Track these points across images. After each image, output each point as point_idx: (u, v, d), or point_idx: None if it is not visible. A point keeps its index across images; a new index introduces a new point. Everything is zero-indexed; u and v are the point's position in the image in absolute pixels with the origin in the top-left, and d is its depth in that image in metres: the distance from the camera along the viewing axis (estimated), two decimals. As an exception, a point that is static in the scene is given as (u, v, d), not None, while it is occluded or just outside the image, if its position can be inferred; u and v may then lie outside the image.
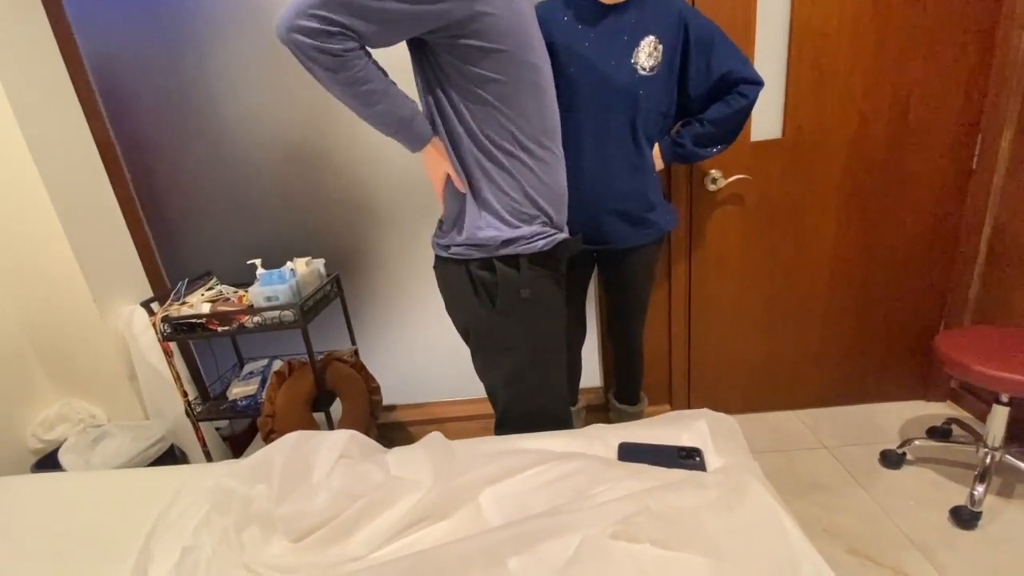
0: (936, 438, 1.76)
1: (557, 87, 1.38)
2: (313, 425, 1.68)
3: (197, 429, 1.80)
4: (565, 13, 1.42)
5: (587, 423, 1.19)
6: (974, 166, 1.74)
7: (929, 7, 1.59)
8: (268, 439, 1.61)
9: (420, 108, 1.06)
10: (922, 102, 1.69)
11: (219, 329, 1.63)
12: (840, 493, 1.64)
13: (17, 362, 1.69)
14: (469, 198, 1.09)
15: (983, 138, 1.70)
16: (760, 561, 0.77)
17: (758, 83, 1.41)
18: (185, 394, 1.76)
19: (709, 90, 1.44)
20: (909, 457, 1.75)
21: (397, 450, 1.13)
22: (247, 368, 1.99)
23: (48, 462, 1.63)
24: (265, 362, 2.01)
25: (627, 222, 1.50)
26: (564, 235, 1.16)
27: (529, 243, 1.09)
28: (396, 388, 2.14)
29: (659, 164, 1.51)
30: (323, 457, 1.08)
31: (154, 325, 1.65)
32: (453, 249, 1.13)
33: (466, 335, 1.24)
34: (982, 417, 1.83)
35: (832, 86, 1.68)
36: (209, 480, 1.10)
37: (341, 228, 1.94)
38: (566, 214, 1.20)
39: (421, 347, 2.09)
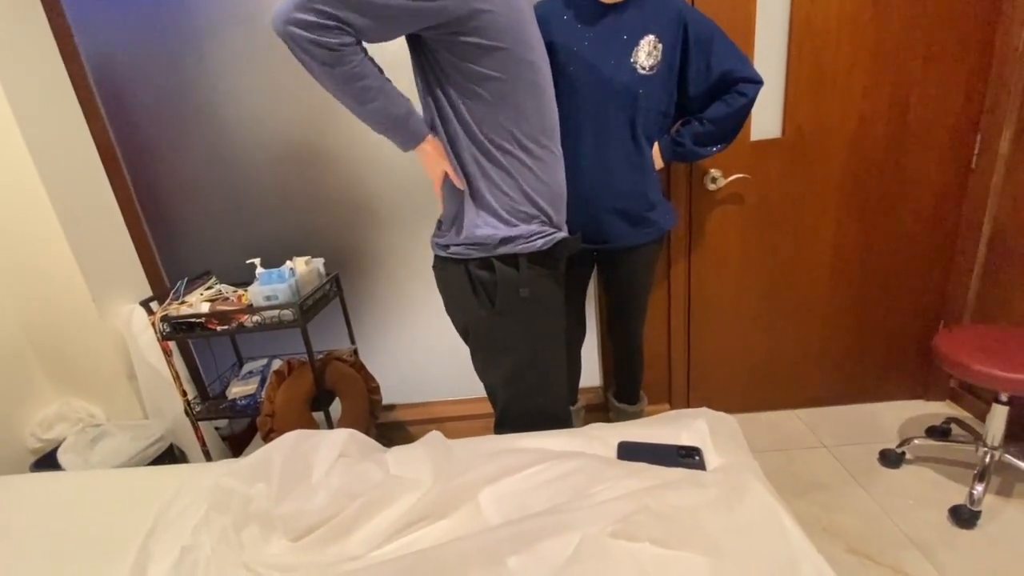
0: (935, 437, 1.76)
1: (557, 86, 1.38)
2: (312, 424, 1.68)
3: (196, 428, 1.79)
4: (565, 12, 1.42)
5: (587, 422, 1.19)
6: (973, 165, 1.74)
7: (929, 7, 1.59)
8: (267, 438, 1.61)
9: (416, 107, 1.06)
10: (922, 102, 1.69)
11: (218, 328, 1.63)
12: (839, 492, 1.64)
13: (16, 361, 1.69)
14: (467, 197, 1.09)
15: (982, 138, 1.70)
16: (760, 560, 0.77)
17: (758, 82, 1.41)
18: (184, 393, 1.76)
19: (709, 89, 1.44)
20: (908, 456, 1.75)
21: (396, 449, 1.13)
22: (246, 367, 1.99)
23: (47, 461, 1.62)
24: (264, 361, 2.01)
25: (627, 221, 1.50)
26: (563, 234, 1.16)
27: (528, 242, 1.09)
28: (395, 387, 2.14)
29: (659, 163, 1.51)
30: (322, 456, 1.07)
31: (153, 324, 1.65)
32: (452, 249, 1.13)
33: (465, 335, 1.24)
34: (981, 416, 1.83)
35: (832, 85, 1.68)
36: (208, 479, 1.10)
37: (340, 227, 1.94)
38: (565, 213, 1.20)
39: (420, 346, 2.09)
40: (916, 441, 1.74)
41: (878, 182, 1.78)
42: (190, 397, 1.79)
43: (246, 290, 1.67)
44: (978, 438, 1.61)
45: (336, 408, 1.80)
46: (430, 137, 1.06)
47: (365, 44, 0.96)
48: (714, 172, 1.76)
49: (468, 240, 1.10)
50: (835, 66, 1.66)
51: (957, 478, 1.64)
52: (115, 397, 1.79)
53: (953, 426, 1.80)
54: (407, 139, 1.05)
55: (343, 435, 1.14)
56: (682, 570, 0.75)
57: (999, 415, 1.53)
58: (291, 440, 1.12)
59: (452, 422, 2.09)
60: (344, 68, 0.92)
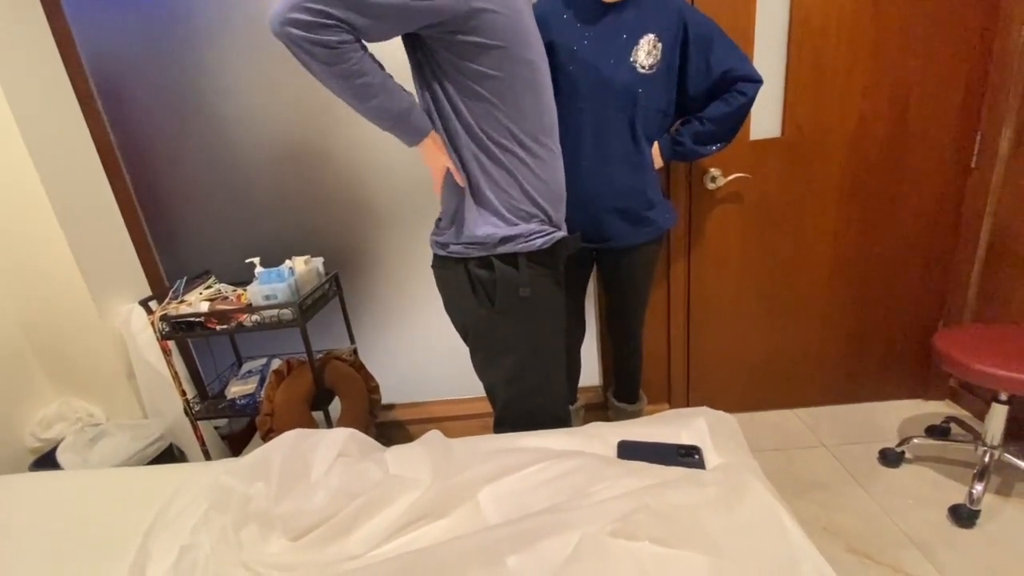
0: (935, 437, 1.76)
1: (556, 85, 1.39)
2: (312, 424, 1.68)
3: (196, 428, 1.79)
4: (564, 11, 1.42)
5: (586, 422, 1.19)
6: (973, 164, 1.74)
7: (928, 6, 1.59)
8: (266, 438, 1.61)
9: (417, 101, 1.06)
10: (921, 101, 1.69)
11: (217, 328, 1.63)
12: (839, 492, 1.64)
13: (15, 361, 1.69)
14: (467, 195, 1.09)
15: (982, 137, 1.70)
16: (760, 559, 0.77)
17: (757, 81, 1.41)
18: (184, 393, 1.76)
19: (708, 88, 1.44)
20: (908, 456, 1.75)
21: (396, 448, 1.13)
22: (246, 367, 1.98)
23: (46, 461, 1.62)
24: (264, 361, 2.00)
25: (626, 220, 1.50)
26: (563, 233, 1.16)
27: (527, 241, 1.09)
28: (395, 387, 2.14)
29: (658, 162, 1.51)
30: (321, 455, 1.07)
31: (152, 324, 1.65)
32: (451, 248, 1.13)
33: (465, 334, 1.23)
34: (981, 416, 1.83)
35: (831, 85, 1.68)
36: (207, 479, 1.09)
37: (340, 227, 1.94)
38: (564, 212, 1.19)
39: (420, 346, 2.09)
40: (916, 440, 1.74)
41: (878, 181, 1.78)
42: (189, 396, 1.78)
43: (245, 289, 1.66)
44: (977, 437, 1.61)
45: (335, 407, 1.80)
46: (433, 132, 1.06)
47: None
48: (714, 171, 1.76)
49: (468, 239, 1.10)
50: (835, 65, 1.66)
51: (956, 477, 1.64)
52: (114, 396, 1.79)
53: (952, 425, 1.80)
54: (411, 135, 1.04)
55: (342, 434, 1.13)
56: (682, 569, 0.75)
57: (998, 414, 1.53)
58: (290, 439, 1.12)
59: (451, 421, 2.09)
60: (344, 66, 0.91)
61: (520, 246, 1.08)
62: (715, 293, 1.95)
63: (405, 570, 0.80)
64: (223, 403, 1.84)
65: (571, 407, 1.92)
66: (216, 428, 1.98)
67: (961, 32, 1.61)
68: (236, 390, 1.85)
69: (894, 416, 1.99)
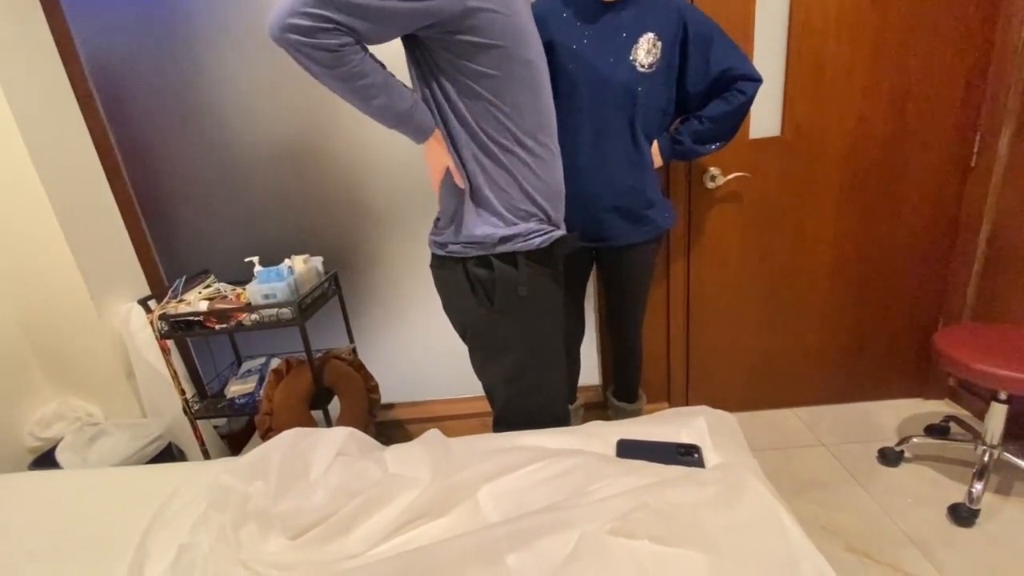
0: (934, 436, 1.76)
1: (556, 84, 1.39)
2: (311, 423, 1.68)
3: (195, 427, 1.79)
4: (564, 10, 1.42)
5: (586, 420, 1.19)
6: (973, 164, 1.74)
7: (928, 5, 1.59)
8: (266, 437, 1.61)
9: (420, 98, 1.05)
10: (921, 100, 1.69)
11: (217, 327, 1.63)
12: (838, 491, 1.64)
13: (14, 360, 1.68)
14: (466, 195, 1.09)
15: (981, 136, 1.70)
16: (759, 558, 0.77)
17: (757, 80, 1.41)
18: (183, 392, 1.76)
19: (708, 87, 1.43)
20: (907, 455, 1.75)
21: (395, 447, 1.13)
22: (245, 366, 1.98)
23: (45, 460, 1.62)
24: (263, 360, 2.00)
25: (626, 219, 1.49)
26: (561, 232, 1.16)
27: (526, 240, 1.09)
28: (394, 386, 2.13)
29: (658, 161, 1.50)
30: (320, 454, 1.07)
31: (151, 323, 1.65)
32: (450, 247, 1.12)
33: (464, 334, 1.23)
34: (980, 415, 1.83)
35: (831, 84, 1.68)
36: (206, 478, 1.09)
37: (339, 226, 1.94)
38: (563, 211, 1.19)
39: (419, 345, 2.09)
40: (915, 439, 1.74)
41: (877, 180, 1.78)
42: (188, 396, 1.78)
43: (244, 289, 1.66)
44: (977, 436, 1.62)
45: (335, 407, 1.80)
46: (437, 130, 1.06)
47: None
48: (713, 170, 1.76)
49: (466, 239, 1.10)
50: (834, 65, 1.66)
51: (956, 476, 1.64)
52: (113, 396, 1.79)
53: (952, 424, 1.81)
54: (416, 132, 1.04)
55: (341, 433, 1.13)
56: (681, 568, 0.75)
57: (998, 413, 1.53)
58: (289, 438, 1.12)
59: (451, 420, 2.09)
60: (345, 68, 0.91)
61: (519, 245, 1.08)
62: (714, 292, 1.95)
63: (404, 569, 0.80)
64: (222, 402, 1.84)
65: (570, 406, 1.92)
66: (215, 427, 1.98)
67: (961, 31, 1.61)
68: (235, 389, 1.85)
69: (893, 415, 1.99)
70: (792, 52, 1.65)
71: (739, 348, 2.02)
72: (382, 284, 2.02)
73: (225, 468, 1.08)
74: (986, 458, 1.54)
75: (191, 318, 1.62)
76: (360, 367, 1.90)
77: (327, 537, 0.92)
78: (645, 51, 1.38)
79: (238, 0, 1.67)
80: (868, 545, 1.44)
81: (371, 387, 1.93)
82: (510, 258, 1.09)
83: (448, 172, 1.09)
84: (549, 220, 1.13)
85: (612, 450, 1.05)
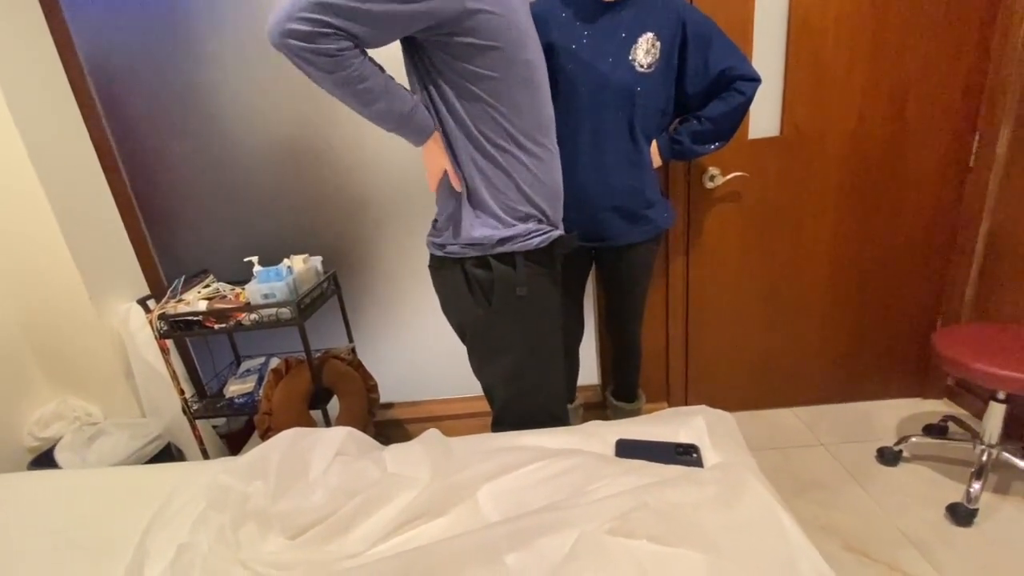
0: (933, 435, 1.76)
1: (555, 84, 1.39)
2: (310, 423, 1.68)
3: (194, 427, 1.79)
4: (563, 10, 1.42)
5: (585, 420, 1.19)
6: (971, 164, 1.74)
7: (927, 6, 1.60)
8: (265, 437, 1.61)
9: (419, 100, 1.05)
10: (920, 100, 1.69)
11: (216, 327, 1.63)
12: (837, 490, 1.65)
13: (13, 360, 1.68)
14: (464, 197, 1.09)
15: (980, 136, 1.70)
16: (758, 557, 0.77)
17: (756, 80, 1.41)
18: (182, 392, 1.76)
19: (707, 87, 1.44)
20: (906, 454, 1.75)
21: (394, 447, 1.13)
22: (244, 366, 1.98)
23: (44, 460, 1.62)
24: (262, 360, 2.00)
25: (625, 219, 1.50)
26: (559, 232, 1.16)
27: (525, 241, 1.09)
28: (393, 386, 2.13)
29: (657, 161, 1.51)
30: (320, 454, 1.07)
31: (151, 323, 1.64)
32: (448, 248, 1.12)
33: (462, 334, 1.23)
34: (979, 414, 1.83)
35: (830, 84, 1.68)
36: (205, 477, 1.09)
37: (338, 226, 1.94)
38: (561, 211, 1.19)
39: (418, 345, 2.09)
40: (913, 439, 1.74)
41: (876, 181, 1.78)
42: (187, 395, 1.78)
43: (244, 288, 1.66)
44: (975, 436, 1.62)
45: (334, 406, 1.80)
46: (436, 132, 1.06)
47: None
48: (712, 170, 1.76)
49: (465, 240, 1.09)
50: (834, 65, 1.66)
51: (954, 476, 1.65)
52: (112, 395, 1.78)
53: (950, 424, 1.81)
54: (416, 135, 1.04)
55: (341, 433, 1.13)
56: (680, 567, 0.75)
57: (996, 413, 1.54)
58: (288, 438, 1.12)
59: (450, 420, 2.09)
60: (344, 73, 0.91)
61: (518, 246, 1.08)
62: (713, 292, 1.95)
63: (403, 568, 0.80)
64: (221, 402, 1.84)
65: (569, 406, 1.92)
66: (214, 427, 1.98)
67: (960, 32, 1.62)
68: (234, 389, 1.85)
69: (892, 415, 1.99)
70: (791, 52, 1.65)
71: (738, 348, 2.03)
72: (381, 284, 2.01)
73: (224, 468, 1.08)
74: (984, 458, 1.54)
75: (190, 318, 1.62)
76: (359, 367, 1.90)
77: (326, 537, 0.92)
78: (644, 51, 1.38)
79: (238, 0, 1.67)
80: (866, 544, 1.45)
81: (370, 387, 1.93)
82: (508, 258, 1.09)
83: (445, 174, 1.09)
84: (547, 220, 1.13)
85: (611, 450, 1.05)
